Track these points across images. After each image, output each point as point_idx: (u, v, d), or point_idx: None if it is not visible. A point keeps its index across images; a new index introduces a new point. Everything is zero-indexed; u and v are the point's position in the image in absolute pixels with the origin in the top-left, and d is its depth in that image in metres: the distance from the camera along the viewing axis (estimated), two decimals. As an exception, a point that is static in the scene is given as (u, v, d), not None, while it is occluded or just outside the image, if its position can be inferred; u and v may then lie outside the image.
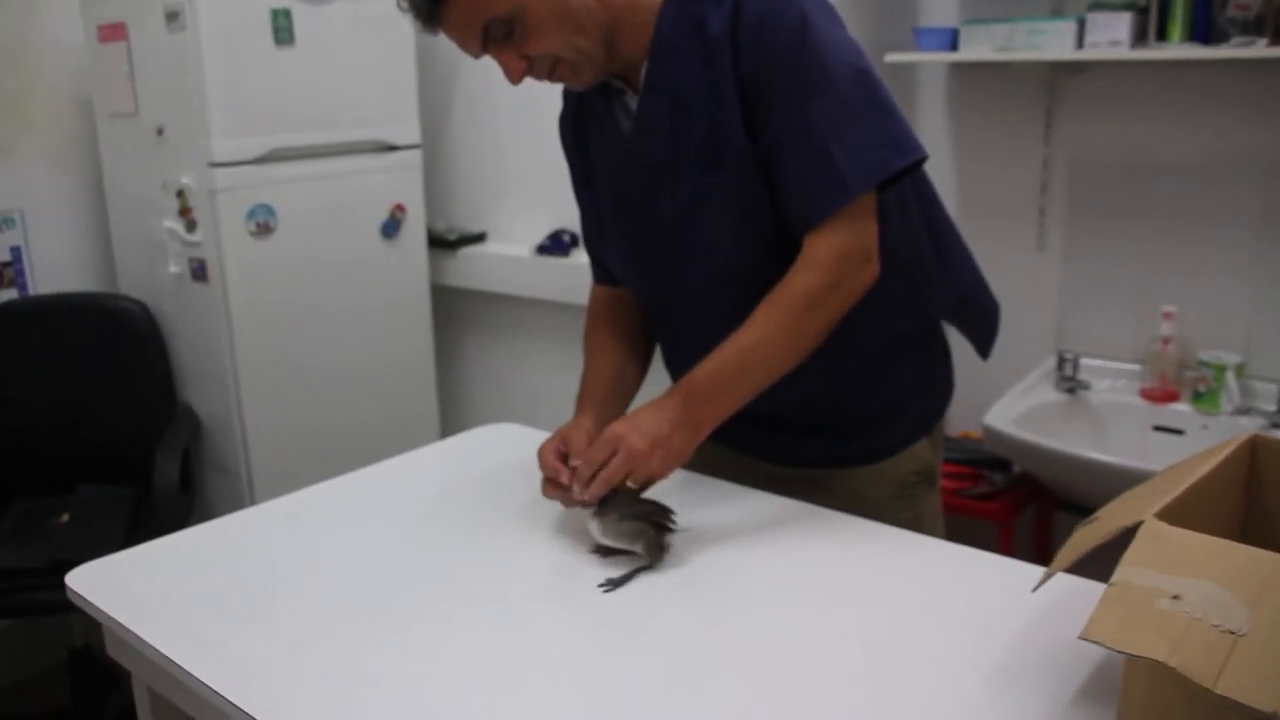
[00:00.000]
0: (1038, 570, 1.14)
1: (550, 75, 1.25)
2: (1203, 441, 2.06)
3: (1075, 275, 2.31)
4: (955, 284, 1.43)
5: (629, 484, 1.16)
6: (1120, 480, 1.90)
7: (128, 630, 1.09)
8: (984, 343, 1.48)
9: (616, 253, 1.42)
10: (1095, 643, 0.78)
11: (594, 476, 1.16)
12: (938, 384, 1.46)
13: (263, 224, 2.40)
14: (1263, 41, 1.85)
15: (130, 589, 1.18)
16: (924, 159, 1.23)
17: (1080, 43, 2.00)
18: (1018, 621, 1.05)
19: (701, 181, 1.26)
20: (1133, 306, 2.24)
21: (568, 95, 1.43)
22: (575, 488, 1.18)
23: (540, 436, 1.51)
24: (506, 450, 1.57)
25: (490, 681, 0.97)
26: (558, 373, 2.84)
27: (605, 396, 1.39)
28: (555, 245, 2.66)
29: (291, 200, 2.45)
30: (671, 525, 1.17)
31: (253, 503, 2.45)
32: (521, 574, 1.19)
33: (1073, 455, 1.96)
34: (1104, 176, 2.23)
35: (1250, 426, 2.00)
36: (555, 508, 1.29)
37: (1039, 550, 2.34)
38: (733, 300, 1.28)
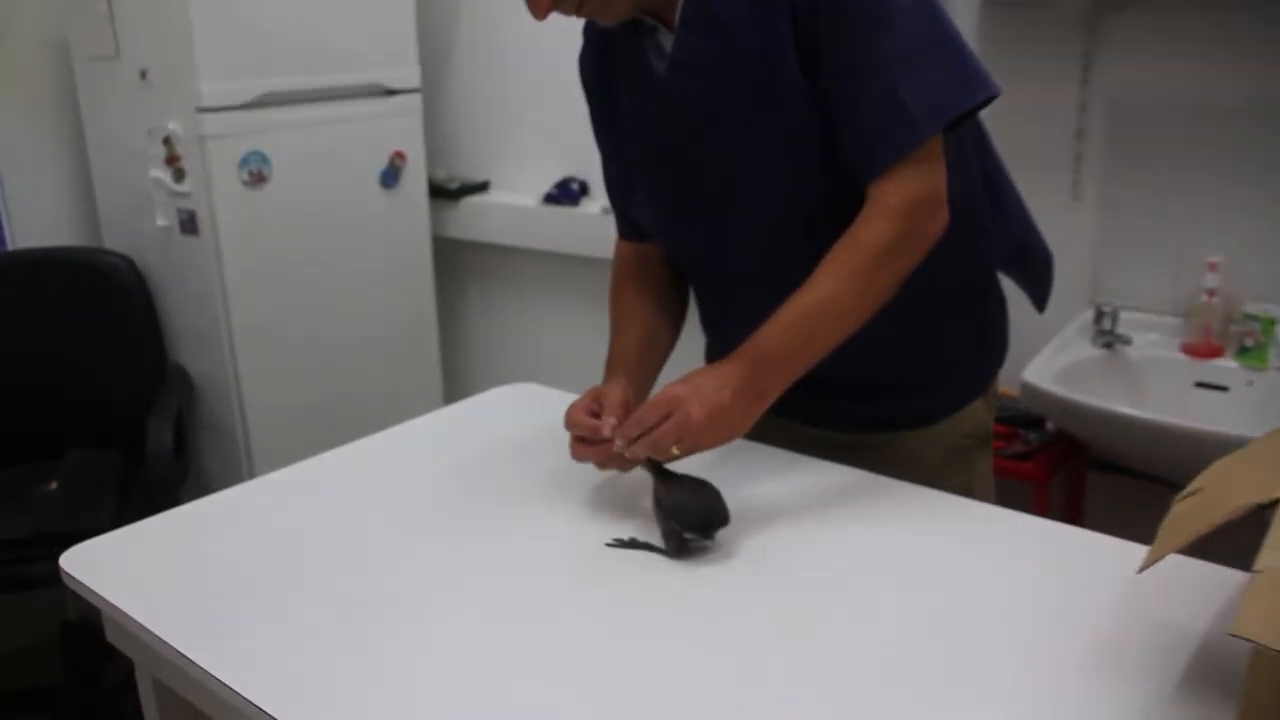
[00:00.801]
0: (1117, 544, 1.07)
1: (579, 10, 1.13)
2: (1248, 399, 1.98)
3: (1112, 225, 2.20)
4: (1012, 232, 1.34)
5: (674, 450, 1.05)
6: (1161, 439, 1.83)
7: (130, 618, 0.99)
8: (1040, 294, 1.39)
9: (648, 206, 1.31)
10: (1247, 640, 0.68)
11: (640, 437, 1.06)
12: (994, 340, 1.36)
13: (256, 173, 2.27)
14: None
15: (130, 571, 1.08)
16: (996, 95, 1.11)
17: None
18: (1103, 600, 0.96)
19: (747, 126, 1.15)
20: (1173, 257, 2.13)
21: (590, 33, 1.31)
22: (618, 441, 1.07)
23: (562, 397, 1.41)
24: (528, 412, 1.47)
25: (524, 672, 0.88)
26: (567, 329, 2.73)
27: (635, 365, 1.28)
28: (564, 194, 2.54)
29: (286, 148, 2.32)
30: (707, 542, 1.06)
31: (250, 467, 2.38)
32: (556, 551, 1.09)
33: (1114, 412, 1.86)
34: (1144, 120, 2.11)
35: (1300, 382, 1.92)
36: (587, 473, 1.18)
37: (1072, 511, 2.25)
38: (780, 257, 1.18)
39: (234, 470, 2.38)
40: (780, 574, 1.02)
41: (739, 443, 1.27)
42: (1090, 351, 2.11)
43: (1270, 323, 1.97)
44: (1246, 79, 1.99)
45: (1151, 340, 2.12)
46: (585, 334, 2.67)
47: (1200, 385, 2.04)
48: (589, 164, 2.56)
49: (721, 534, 1.06)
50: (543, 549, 1.09)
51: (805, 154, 1.14)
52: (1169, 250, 2.13)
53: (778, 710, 0.82)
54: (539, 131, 2.66)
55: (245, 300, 2.31)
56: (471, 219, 2.76)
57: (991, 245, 1.30)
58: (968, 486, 1.31)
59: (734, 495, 1.09)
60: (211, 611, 0.99)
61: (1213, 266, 2.03)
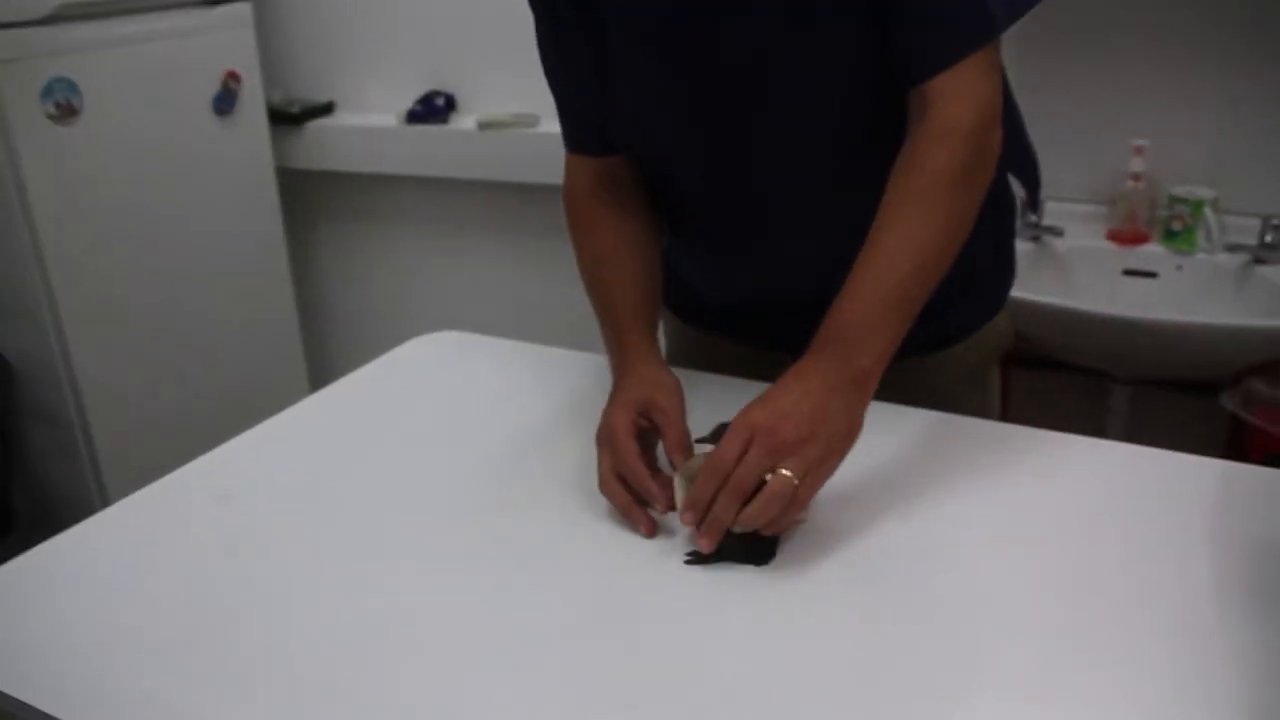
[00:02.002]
0: (1188, 459, 0.96)
1: None
2: (1178, 284, 1.93)
3: (1029, 109, 2.09)
4: (1016, 124, 1.19)
5: (800, 515, 0.83)
6: (1090, 327, 1.76)
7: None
8: (1036, 191, 1.27)
9: (638, 114, 1.07)
10: None
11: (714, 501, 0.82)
12: (1011, 247, 1.24)
13: (64, 104, 1.90)
14: None
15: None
16: None
17: None
18: (1196, 522, 0.86)
19: (781, 17, 0.94)
20: (1093, 142, 2.05)
21: None
22: (689, 522, 0.83)
23: (496, 344, 1.24)
24: (461, 366, 1.24)
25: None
26: (446, 264, 2.46)
27: (650, 309, 1.07)
28: (429, 110, 2.25)
29: (98, 72, 1.96)
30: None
31: (91, 457, 2.04)
32: (573, 542, 0.88)
33: (1041, 304, 1.78)
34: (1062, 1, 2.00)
35: (1231, 264, 1.87)
36: (577, 437, 0.99)
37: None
38: (812, 175, 1.01)
39: (72, 461, 2.04)
40: (845, 546, 0.85)
41: (738, 382, 1.09)
42: (1018, 245, 2.01)
43: (1199, 205, 1.91)
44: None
45: (1076, 230, 2.04)
46: (470, 269, 2.41)
47: (1129, 273, 1.98)
48: (457, 74, 2.28)
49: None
50: (557, 541, 0.88)
51: (851, 51, 0.95)
52: (1090, 135, 2.04)
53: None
54: (391, 40, 2.36)
55: (63, 260, 1.96)
56: (320, 146, 2.43)
57: (1008, 140, 1.15)
58: (984, 407, 1.20)
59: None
60: (122, 673, 0.74)
61: (1138, 150, 1.95)
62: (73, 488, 2.07)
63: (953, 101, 0.91)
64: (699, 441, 0.90)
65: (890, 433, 1.01)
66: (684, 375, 0.98)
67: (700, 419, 0.93)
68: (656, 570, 0.84)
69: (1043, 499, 0.92)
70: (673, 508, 0.85)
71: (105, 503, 0.99)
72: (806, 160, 1.02)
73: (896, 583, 0.81)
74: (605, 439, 0.91)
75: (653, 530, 0.86)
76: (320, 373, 2.55)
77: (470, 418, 1.12)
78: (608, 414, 0.93)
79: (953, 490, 0.92)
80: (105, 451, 2.03)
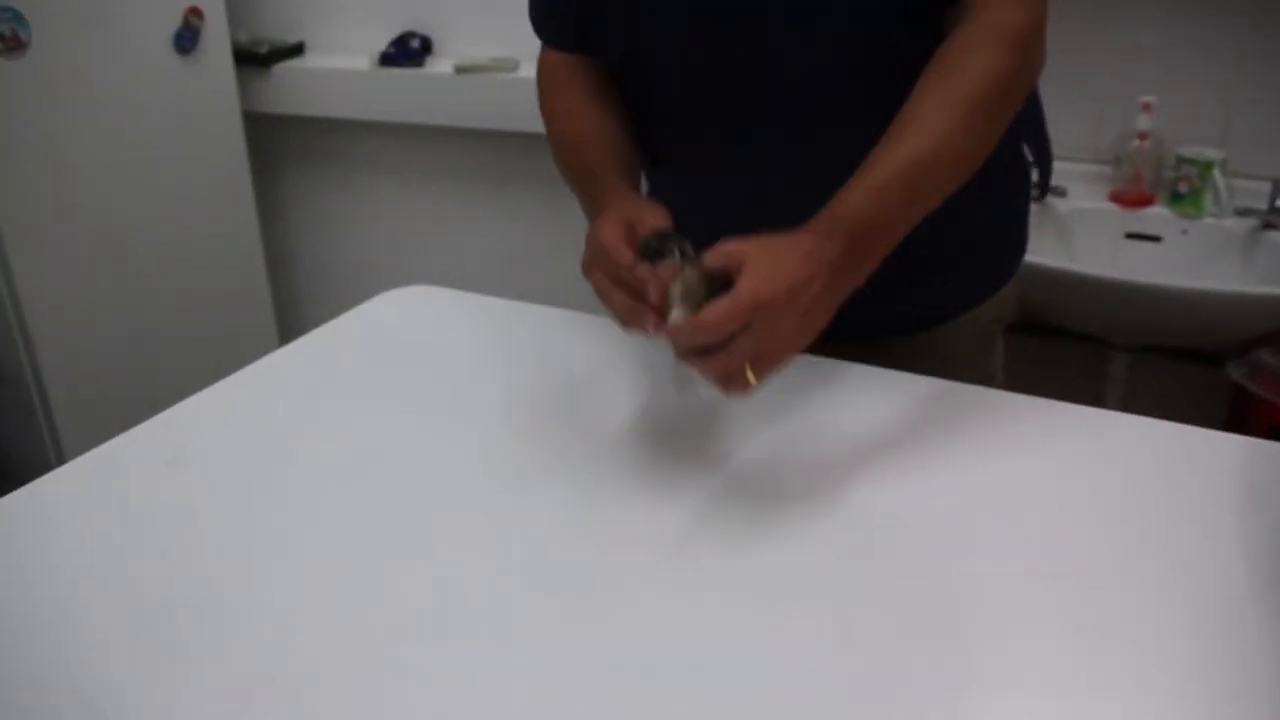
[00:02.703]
0: (1205, 434, 0.89)
1: None
2: (1182, 248, 1.86)
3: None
4: (1035, 104, 1.18)
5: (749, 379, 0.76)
6: (1091, 292, 1.70)
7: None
8: (1046, 178, 1.21)
9: (639, 18, 0.97)
10: None
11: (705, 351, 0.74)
12: (1024, 220, 1.16)
13: (9, 36, 1.78)
14: None
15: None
16: None
17: None
18: (1224, 500, 0.80)
19: None
20: (1099, 98, 1.97)
21: None
22: (676, 349, 0.75)
23: (472, 299, 1.17)
24: (432, 323, 1.16)
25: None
26: (421, 215, 2.35)
27: (632, 169, 0.98)
28: (403, 53, 2.14)
29: (47, 2, 1.83)
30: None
31: (47, 416, 1.94)
32: (547, 509, 0.80)
33: (1040, 266, 1.71)
34: (1065, -55, 1.91)
35: (1239, 229, 1.80)
36: (552, 396, 0.94)
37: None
38: (836, 88, 0.93)
39: (27, 420, 1.94)
40: (860, 514, 0.77)
41: None
42: (1017, 206, 1.93)
43: (1208, 166, 1.83)
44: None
45: (1079, 190, 1.97)
46: (446, 220, 2.31)
47: (1131, 236, 1.91)
48: (433, 14, 2.17)
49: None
50: (567, 517, 0.80)
51: None
52: (1096, 90, 1.96)
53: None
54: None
55: (11, 203, 1.84)
56: (289, 89, 2.31)
57: (1025, 116, 1.08)
58: (990, 373, 1.13)
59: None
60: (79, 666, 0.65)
61: (1146, 108, 1.87)
62: (29, 449, 1.97)
63: (1002, 10, 0.85)
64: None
65: (889, 402, 0.93)
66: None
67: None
68: (642, 555, 0.76)
69: (1057, 473, 0.85)
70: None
71: (61, 463, 0.91)
72: (814, 77, 0.93)
73: (898, 562, 0.74)
74: (595, 251, 0.81)
75: (661, 325, 0.76)
76: (289, 326, 2.44)
77: (440, 377, 1.04)
78: (593, 230, 0.82)
79: (959, 463, 0.85)
80: (62, 411, 1.93)
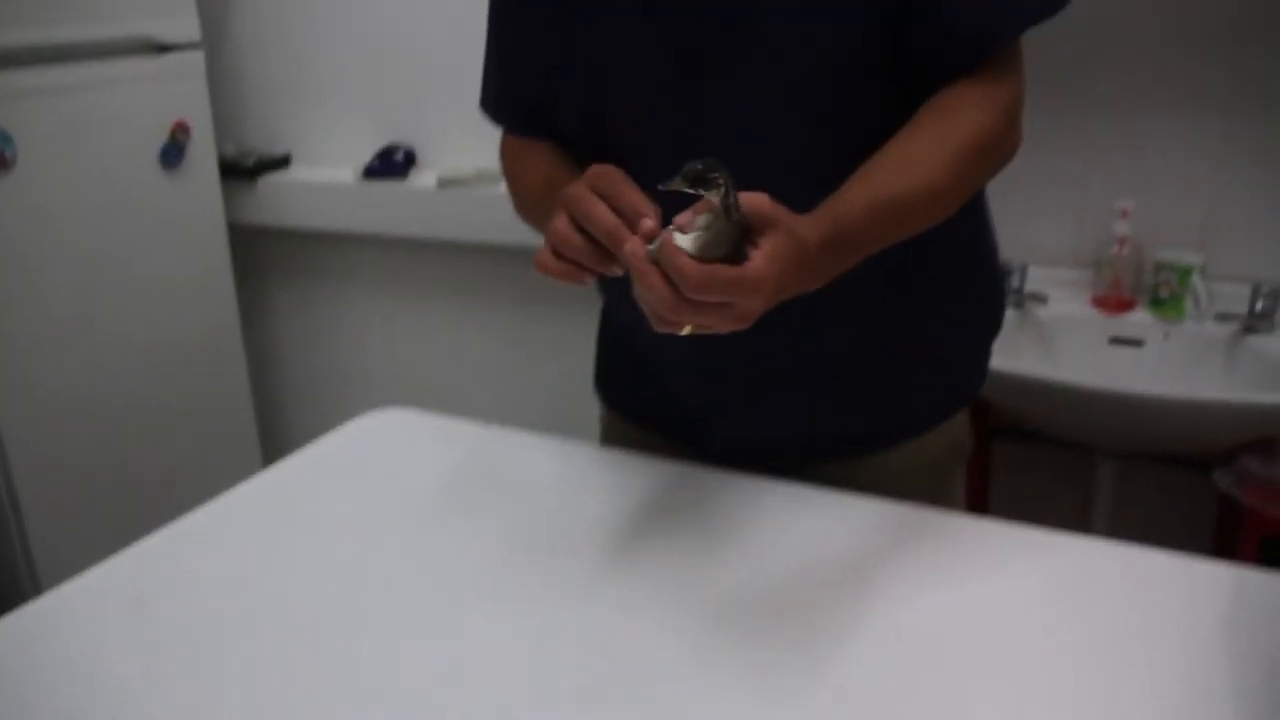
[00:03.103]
0: (1193, 564, 0.87)
1: None
2: (1165, 353, 1.86)
3: (1007, 169, 2.03)
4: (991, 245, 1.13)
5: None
6: (1074, 401, 1.68)
7: None
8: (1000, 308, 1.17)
9: (602, 83, 0.97)
10: None
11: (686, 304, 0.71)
12: (985, 348, 1.14)
13: (-5, 155, 1.79)
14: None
15: None
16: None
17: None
18: (1212, 632, 0.78)
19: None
20: (1078, 204, 1.99)
21: None
22: (656, 310, 0.72)
23: (446, 424, 1.16)
24: (408, 449, 1.15)
25: None
26: (404, 327, 2.35)
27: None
28: (387, 166, 2.16)
29: (34, 121, 1.85)
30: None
31: (23, 540, 1.91)
32: (524, 643, 0.77)
33: (1028, 377, 1.70)
34: (1040, 48, 1.94)
35: (1220, 334, 1.80)
36: (524, 528, 0.92)
37: (979, 485, 2.08)
38: (793, 151, 0.91)
39: (1, 547, 1.90)
40: (823, 645, 0.75)
41: (675, 468, 1.00)
42: (998, 312, 1.94)
43: (1186, 271, 1.84)
44: (1151, 6, 1.84)
45: (1061, 295, 1.97)
46: (430, 332, 2.30)
47: (1115, 341, 1.91)
48: (415, 128, 2.20)
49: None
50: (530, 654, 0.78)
51: (859, 10, 0.88)
52: (1074, 196, 1.98)
53: None
54: (349, 91, 2.27)
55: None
56: (274, 201, 2.33)
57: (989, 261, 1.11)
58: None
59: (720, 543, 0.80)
60: None
61: (1124, 214, 1.88)
62: (2, 574, 1.93)
63: (988, 82, 0.88)
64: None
65: (873, 529, 0.92)
66: (620, 459, 0.90)
67: (641, 508, 0.84)
68: (620, 678, 0.73)
69: (1040, 602, 0.83)
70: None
71: (37, 591, 0.88)
72: (792, 132, 0.92)
73: (880, 693, 0.72)
74: (561, 200, 0.79)
75: (638, 242, 0.72)
76: (273, 439, 2.42)
77: (411, 508, 1.02)
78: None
79: (941, 593, 0.83)
80: (38, 534, 1.90)
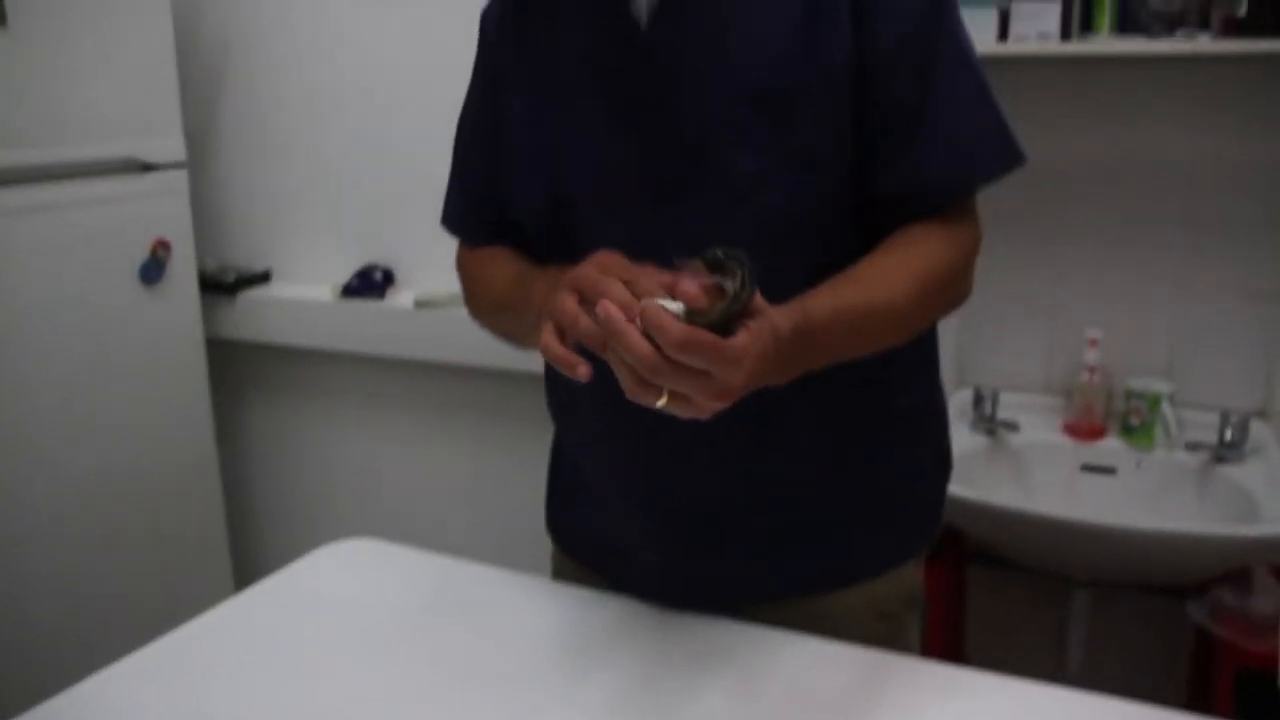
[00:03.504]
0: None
1: None
2: (1137, 482, 1.87)
3: (982, 300, 2.06)
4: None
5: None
6: (1049, 531, 1.67)
7: None
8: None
9: (566, 195, 0.98)
10: None
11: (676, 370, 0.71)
12: (938, 496, 1.13)
13: (-27, 273, 1.80)
14: (1205, 36, 1.65)
15: None
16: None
17: (1004, 34, 1.73)
18: None
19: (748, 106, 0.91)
20: (1047, 332, 2.02)
21: None
22: (631, 371, 0.72)
23: (411, 555, 1.15)
24: (370, 582, 1.13)
25: None
26: (379, 447, 2.33)
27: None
28: (366, 285, 2.18)
29: (14, 239, 1.86)
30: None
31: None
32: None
33: (1001, 508, 1.69)
34: (1008, 184, 1.99)
35: (1191, 463, 1.81)
36: (516, 658, 0.91)
37: (954, 612, 2.06)
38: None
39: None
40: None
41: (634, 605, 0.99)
42: (969, 439, 1.94)
43: (1157, 400, 1.86)
44: (1114, 141, 1.90)
45: (1032, 422, 1.98)
46: (405, 453, 2.29)
47: (1087, 469, 1.91)
48: (394, 248, 2.22)
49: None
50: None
51: (833, 145, 0.92)
52: (1044, 325, 2.01)
53: None
54: (330, 210, 2.29)
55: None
56: (253, 317, 2.33)
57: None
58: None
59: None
60: None
61: (1093, 342, 1.91)
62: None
63: (958, 224, 0.94)
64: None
65: (802, 665, 0.90)
66: (572, 593, 0.88)
67: (594, 644, 0.82)
68: None
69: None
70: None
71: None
72: (761, 256, 0.93)
73: None
74: (569, 281, 0.77)
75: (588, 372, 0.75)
76: (247, 559, 2.38)
77: (372, 644, 1.00)
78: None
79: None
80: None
